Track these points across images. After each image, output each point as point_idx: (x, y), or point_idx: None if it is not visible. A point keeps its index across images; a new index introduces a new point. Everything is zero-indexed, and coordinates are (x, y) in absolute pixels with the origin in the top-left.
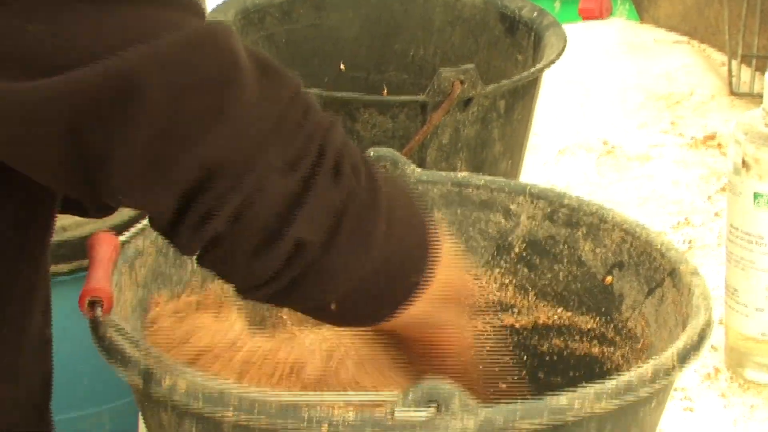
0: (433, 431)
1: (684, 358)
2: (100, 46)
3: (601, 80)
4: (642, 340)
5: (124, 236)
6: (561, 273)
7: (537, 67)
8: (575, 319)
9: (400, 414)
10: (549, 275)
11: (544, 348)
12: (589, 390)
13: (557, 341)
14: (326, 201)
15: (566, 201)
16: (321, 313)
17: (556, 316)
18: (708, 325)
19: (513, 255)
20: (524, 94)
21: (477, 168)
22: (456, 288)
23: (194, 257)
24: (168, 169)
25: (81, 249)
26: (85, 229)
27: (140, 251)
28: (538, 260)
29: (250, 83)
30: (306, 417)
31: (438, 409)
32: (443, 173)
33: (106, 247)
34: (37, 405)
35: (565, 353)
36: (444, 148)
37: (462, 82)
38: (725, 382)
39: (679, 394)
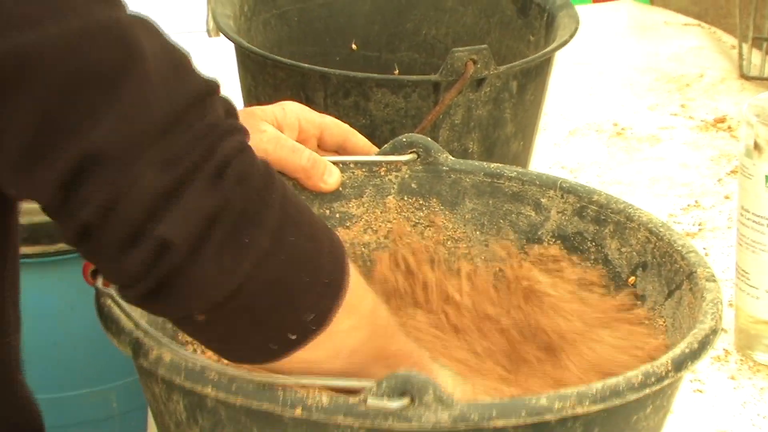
0: (405, 422)
1: (680, 364)
2: None
3: (611, 62)
4: (660, 343)
5: None
6: (588, 271)
7: (550, 47)
8: None
9: (373, 402)
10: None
11: None
12: (572, 391)
13: None
14: (198, 205)
15: (595, 197)
16: (198, 331)
17: None
18: (713, 332)
19: (542, 249)
20: (537, 74)
21: (489, 148)
22: (384, 351)
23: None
24: (48, 157)
25: None
26: None
27: None
28: (566, 255)
29: (147, 79)
30: (281, 399)
31: (412, 400)
32: (476, 163)
33: None
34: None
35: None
36: (456, 128)
37: (475, 62)
38: (735, 364)
39: (689, 375)
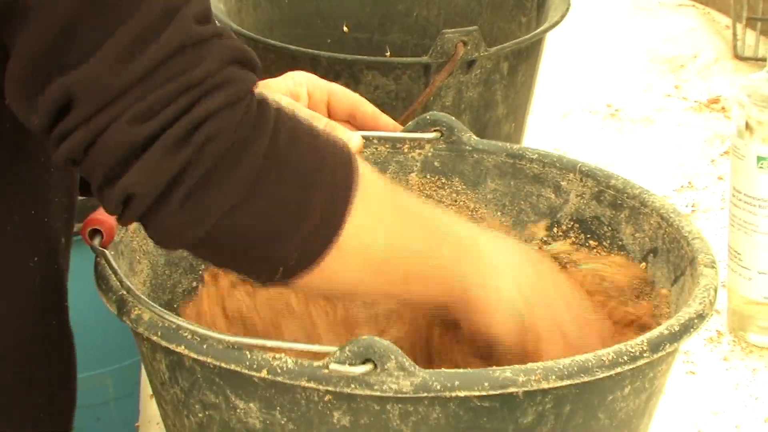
0: (367, 388)
1: (657, 345)
2: None
3: (605, 43)
4: None
5: None
6: (602, 255)
7: (541, 29)
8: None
9: (336, 367)
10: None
11: None
12: (537, 365)
13: None
14: (161, 164)
15: (612, 182)
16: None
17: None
18: (699, 316)
19: (560, 232)
20: (528, 56)
21: (480, 130)
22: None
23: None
24: (40, 85)
25: (89, 211)
26: None
27: None
28: (583, 239)
29: (134, 26)
30: (248, 360)
31: (374, 366)
32: (499, 143)
33: None
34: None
35: None
36: (447, 110)
37: (465, 44)
38: (728, 345)
39: (681, 357)
